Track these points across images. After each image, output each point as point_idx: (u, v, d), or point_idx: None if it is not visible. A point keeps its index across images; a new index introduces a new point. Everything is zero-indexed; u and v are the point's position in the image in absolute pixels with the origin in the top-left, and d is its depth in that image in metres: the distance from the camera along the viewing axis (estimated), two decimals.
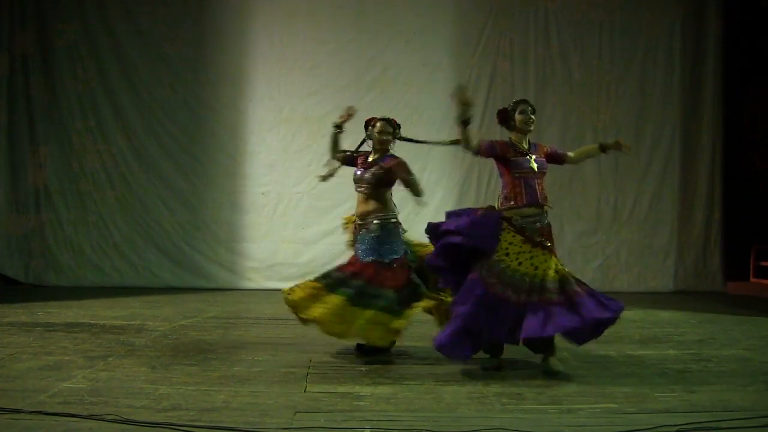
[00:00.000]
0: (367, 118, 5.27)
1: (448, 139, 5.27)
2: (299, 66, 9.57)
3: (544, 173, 4.70)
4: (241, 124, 9.60)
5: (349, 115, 5.21)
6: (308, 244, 9.51)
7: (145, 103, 9.45)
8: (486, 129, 9.70)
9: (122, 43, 9.43)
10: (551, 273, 4.48)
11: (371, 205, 5.09)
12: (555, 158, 4.81)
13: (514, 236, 4.55)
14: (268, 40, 9.59)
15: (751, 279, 11.24)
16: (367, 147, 5.30)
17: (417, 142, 5.35)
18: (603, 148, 4.91)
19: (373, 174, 5.05)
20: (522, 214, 4.58)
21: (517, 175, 4.63)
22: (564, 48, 9.84)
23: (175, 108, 9.50)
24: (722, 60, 9.99)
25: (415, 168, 9.28)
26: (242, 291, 9.22)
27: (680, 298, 9.24)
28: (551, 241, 4.64)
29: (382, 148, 5.15)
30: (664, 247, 9.93)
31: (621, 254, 9.88)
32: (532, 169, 4.62)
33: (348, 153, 5.26)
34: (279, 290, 5.21)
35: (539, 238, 4.56)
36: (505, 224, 4.57)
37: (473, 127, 10.01)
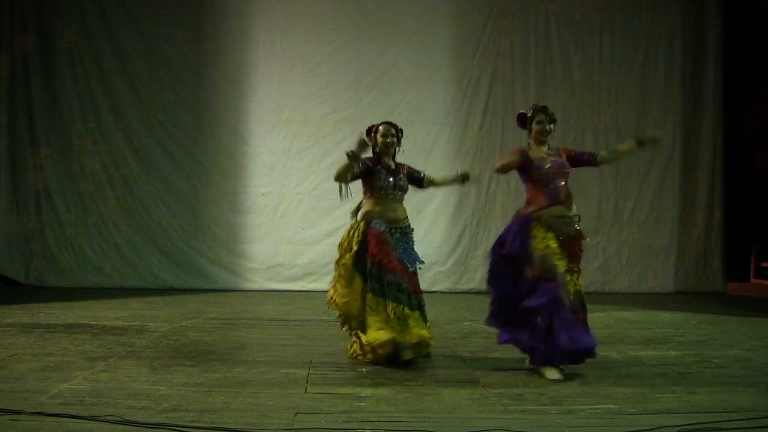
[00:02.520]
0: (369, 125, 5.11)
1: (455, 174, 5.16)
2: (300, 67, 9.58)
3: (566, 173, 4.63)
4: (241, 125, 9.60)
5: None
6: (309, 245, 9.52)
7: (146, 104, 9.46)
8: (486, 129, 9.75)
9: (122, 45, 9.45)
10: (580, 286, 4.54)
11: (403, 210, 4.97)
12: (580, 160, 4.73)
13: (546, 232, 4.49)
14: (269, 41, 9.60)
15: (752, 280, 11.25)
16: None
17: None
18: (640, 143, 4.76)
19: (404, 180, 4.95)
20: (550, 214, 4.51)
21: (536, 177, 4.58)
22: (564, 49, 9.85)
23: (176, 109, 9.51)
24: (722, 61, 9.99)
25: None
26: (243, 292, 9.23)
27: (681, 298, 9.23)
28: (579, 255, 4.60)
29: (388, 152, 4.95)
30: (664, 247, 9.93)
31: (622, 255, 9.89)
32: (545, 170, 4.56)
33: (358, 168, 4.85)
34: (279, 291, 5.20)
35: (567, 252, 4.51)
36: (534, 222, 4.51)
37: (474, 128, 10.04)
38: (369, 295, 4.69)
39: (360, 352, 4.86)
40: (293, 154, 9.54)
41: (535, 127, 4.69)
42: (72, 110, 9.42)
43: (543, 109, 4.72)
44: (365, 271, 4.72)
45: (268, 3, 9.67)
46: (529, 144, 4.73)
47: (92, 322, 6.30)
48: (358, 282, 4.74)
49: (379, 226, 4.80)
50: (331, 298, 4.86)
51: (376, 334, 4.63)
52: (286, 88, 9.57)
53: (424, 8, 9.73)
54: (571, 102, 9.79)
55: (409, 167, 5.08)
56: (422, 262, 4.99)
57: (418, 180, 5.09)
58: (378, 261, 4.71)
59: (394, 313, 4.66)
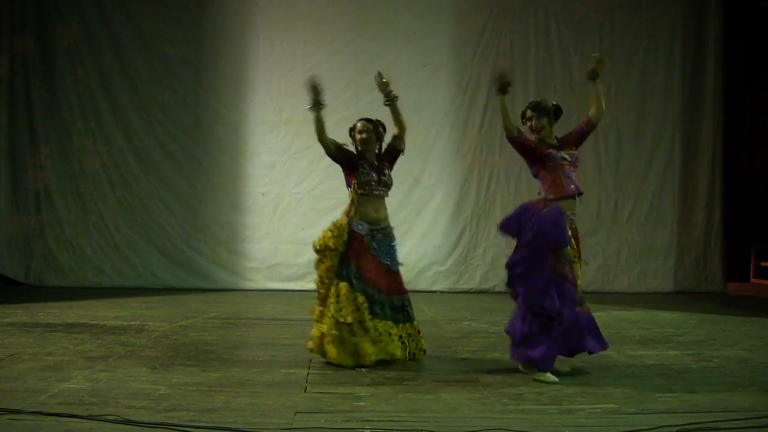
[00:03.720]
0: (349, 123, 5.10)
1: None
2: (299, 67, 9.56)
3: (577, 166, 4.57)
4: (241, 124, 9.60)
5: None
6: (308, 244, 9.32)
7: (146, 104, 9.46)
8: (486, 129, 9.74)
9: (122, 44, 9.44)
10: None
11: (385, 209, 4.89)
12: (583, 134, 4.66)
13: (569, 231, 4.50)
14: (269, 41, 9.60)
15: (752, 279, 11.24)
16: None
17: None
18: (591, 76, 4.66)
19: (388, 176, 4.85)
20: (568, 208, 4.48)
21: (551, 167, 4.50)
22: (564, 48, 9.84)
23: (176, 109, 9.51)
24: (722, 60, 9.99)
25: (414, 169, 9.30)
26: (242, 291, 9.22)
27: (680, 298, 9.23)
28: (578, 251, 4.60)
29: (368, 148, 4.87)
30: (664, 247, 9.92)
31: (621, 255, 9.88)
32: (566, 159, 4.50)
33: (343, 146, 4.86)
34: (279, 291, 5.21)
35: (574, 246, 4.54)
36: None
37: (473, 128, 10.03)
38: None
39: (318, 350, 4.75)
40: (293, 153, 9.54)
41: (528, 124, 4.63)
42: (72, 110, 9.42)
43: (533, 106, 4.63)
44: (348, 276, 4.66)
45: (268, 3, 9.66)
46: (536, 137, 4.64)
47: (92, 322, 6.30)
48: (343, 288, 4.64)
49: (362, 229, 4.72)
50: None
51: (370, 348, 4.60)
52: (286, 88, 9.55)
53: (424, 8, 9.73)
54: (571, 102, 9.71)
55: (385, 150, 4.94)
56: (401, 264, 4.90)
57: (395, 148, 4.93)
58: (362, 273, 4.67)
59: (376, 330, 4.64)
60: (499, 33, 9.77)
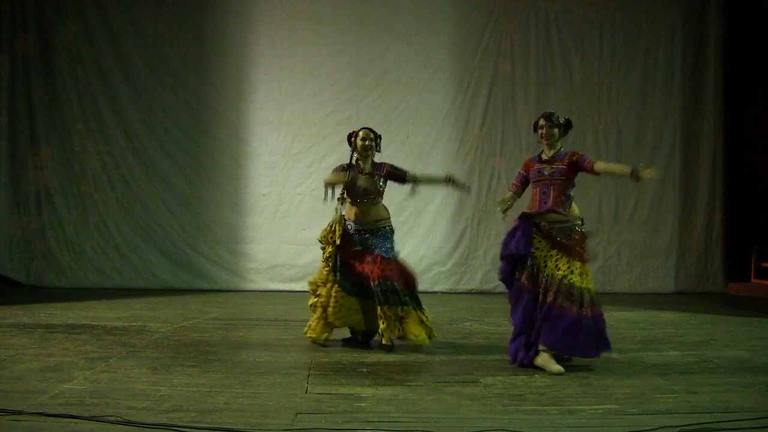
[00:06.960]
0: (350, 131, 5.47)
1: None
2: (300, 68, 9.58)
3: (560, 180, 4.78)
4: (242, 125, 9.61)
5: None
6: (309, 245, 9.46)
7: (146, 105, 9.47)
8: (487, 129, 9.75)
9: (123, 45, 9.45)
10: (573, 278, 4.66)
11: (375, 213, 5.36)
12: (579, 166, 4.84)
13: (540, 241, 4.75)
14: (269, 42, 9.60)
15: (753, 280, 11.25)
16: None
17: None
18: (635, 177, 4.69)
19: (378, 183, 5.30)
20: (546, 220, 4.76)
21: (534, 182, 4.86)
22: (565, 49, 9.85)
23: (176, 109, 9.51)
24: (723, 61, 10.00)
25: (415, 169, 9.33)
26: (243, 292, 9.23)
27: (681, 299, 9.23)
28: (582, 248, 4.78)
29: (366, 155, 5.31)
30: (665, 248, 9.93)
31: (622, 255, 9.89)
32: (544, 176, 4.81)
33: (348, 170, 5.33)
34: (280, 291, 5.35)
35: (566, 241, 4.73)
36: (534, 229, 4.76)
37: (474, 128, 10.00)
38: (336, 288, 5.26)
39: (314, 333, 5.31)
40: (294, 154, 9.55)
41: (537, 132, 4.92)
42: (72, 110, 9.43)
43: (545, 116, 4.89)
44: (335, 265, 5.31)
45: (269, 4, 9.67)
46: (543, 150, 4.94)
47: (93, 323, 6.29)
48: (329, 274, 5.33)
49: (350, 228, 5.37)
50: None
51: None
52: (287, 89, 9.56)
53: (425, 9, 9.74)
54: (571, 102, 9.78)
55: (391, 166, 5.36)
56: (394, 254, 5.28)
57: (400, 177, 5.35)
58: (345, 259, 5.30)
59: (337, 301, 5.23)
60: (500, 33, 9.78)
